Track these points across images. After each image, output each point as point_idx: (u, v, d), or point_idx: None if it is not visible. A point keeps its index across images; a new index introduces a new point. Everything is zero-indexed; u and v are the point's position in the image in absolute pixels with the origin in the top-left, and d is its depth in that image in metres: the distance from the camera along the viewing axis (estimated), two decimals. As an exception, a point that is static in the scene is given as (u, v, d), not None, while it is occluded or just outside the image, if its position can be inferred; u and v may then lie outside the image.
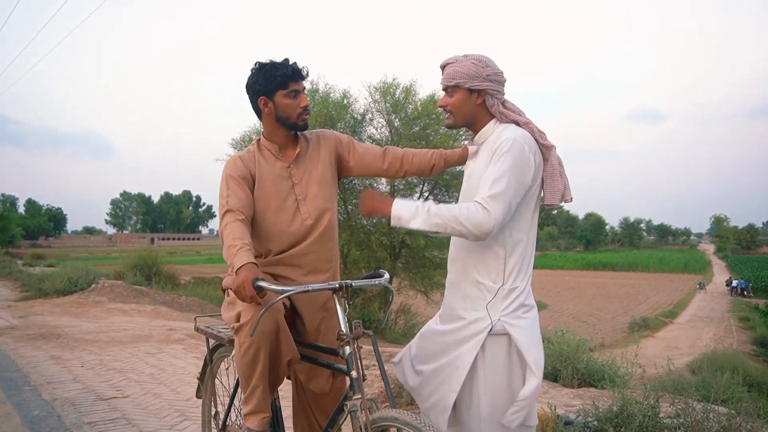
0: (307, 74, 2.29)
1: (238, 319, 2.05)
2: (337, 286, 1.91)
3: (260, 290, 1.85)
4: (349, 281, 1.93)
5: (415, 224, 1.99)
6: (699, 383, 4.97)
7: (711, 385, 4.41)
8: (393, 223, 2.02)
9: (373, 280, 2.03)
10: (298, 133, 2.37)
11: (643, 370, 5.37)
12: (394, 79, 17.82)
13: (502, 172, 1.95)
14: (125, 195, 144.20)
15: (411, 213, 2.00)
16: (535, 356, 1.97)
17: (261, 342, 2.02)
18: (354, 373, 1.85)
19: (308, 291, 1.91)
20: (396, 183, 16.19)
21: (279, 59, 2.28)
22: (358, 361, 1.87)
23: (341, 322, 1.89)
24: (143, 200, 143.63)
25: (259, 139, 2.39)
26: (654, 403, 3.23)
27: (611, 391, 3.65)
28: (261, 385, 2.11)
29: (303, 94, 2.28)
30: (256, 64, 2.28)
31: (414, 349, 2.27)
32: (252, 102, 2.31)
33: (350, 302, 1.95)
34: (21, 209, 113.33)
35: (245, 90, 2.32)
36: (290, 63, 2.26)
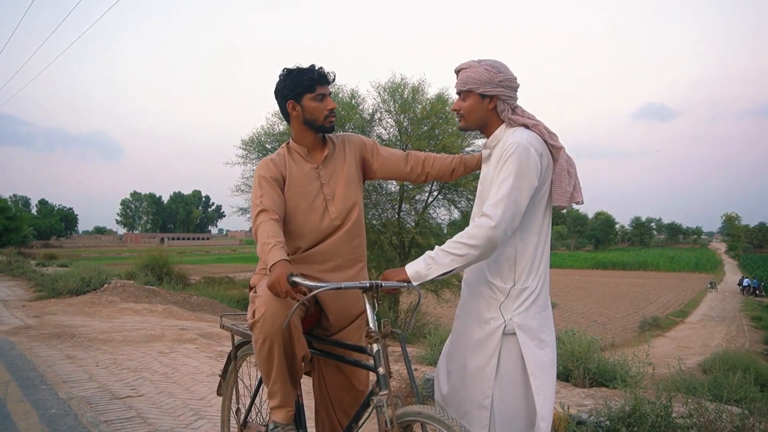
0: (334, 79, 2.35)
1: (254, 316, 2.10)
2: (368, 285, 1.95)
3: (295, 285, 1.90)
4: (379, 281, 1.97)
5: (433, 274, 2.01)
6: (711, 383, 4.94)
7: (723, 385, 4.39)
8: (416, 283, 2.03)
9: (403, 282, 2.07)
10: (326, 136, 2.43)
11: (653, 368, 5.35)
12: (402, 79, 17.88)
13: (507, 175, 1.99)
14: (135, 195, 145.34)
15: (425, 267, 2.02)
16: (542, 382, 1.98)
17: (274, 337, 2.07)
18: (381, 370, 1.89)
19: (341, 288, 1.96)
20: (405, 183, 16.20)
21: (305, 65, 2.33)
22: (386, 358, 1.91)
23: (370, 320, 1.93)
24: (153, 200, 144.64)
25: (288, 143, 2.44)
26: (666, 402, 3.23)
27: (623, 391, 3.64)
28: (281, 380, 2.17)
29: (329, 98, 2.34)
30: (283, 70, 2.34)
31: (443, 357, 2.30)
32: (281, 106, 2.38)
33: (380, 302, 1.99)
34: (33, 210, 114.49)
35: (274, 95, 2.38)
36: (316, 68, 2.31)
